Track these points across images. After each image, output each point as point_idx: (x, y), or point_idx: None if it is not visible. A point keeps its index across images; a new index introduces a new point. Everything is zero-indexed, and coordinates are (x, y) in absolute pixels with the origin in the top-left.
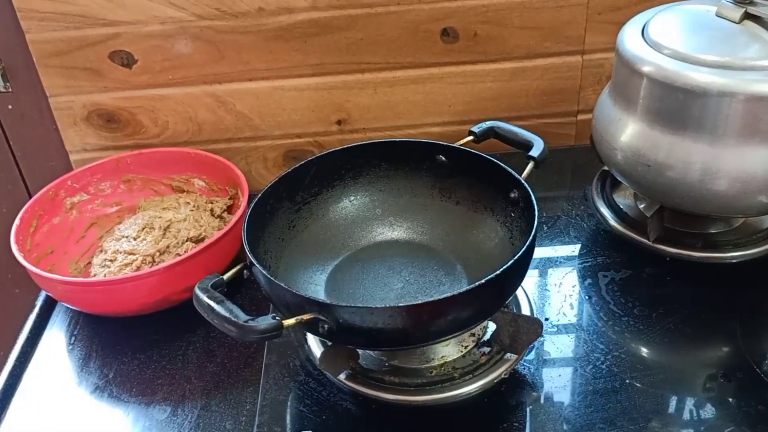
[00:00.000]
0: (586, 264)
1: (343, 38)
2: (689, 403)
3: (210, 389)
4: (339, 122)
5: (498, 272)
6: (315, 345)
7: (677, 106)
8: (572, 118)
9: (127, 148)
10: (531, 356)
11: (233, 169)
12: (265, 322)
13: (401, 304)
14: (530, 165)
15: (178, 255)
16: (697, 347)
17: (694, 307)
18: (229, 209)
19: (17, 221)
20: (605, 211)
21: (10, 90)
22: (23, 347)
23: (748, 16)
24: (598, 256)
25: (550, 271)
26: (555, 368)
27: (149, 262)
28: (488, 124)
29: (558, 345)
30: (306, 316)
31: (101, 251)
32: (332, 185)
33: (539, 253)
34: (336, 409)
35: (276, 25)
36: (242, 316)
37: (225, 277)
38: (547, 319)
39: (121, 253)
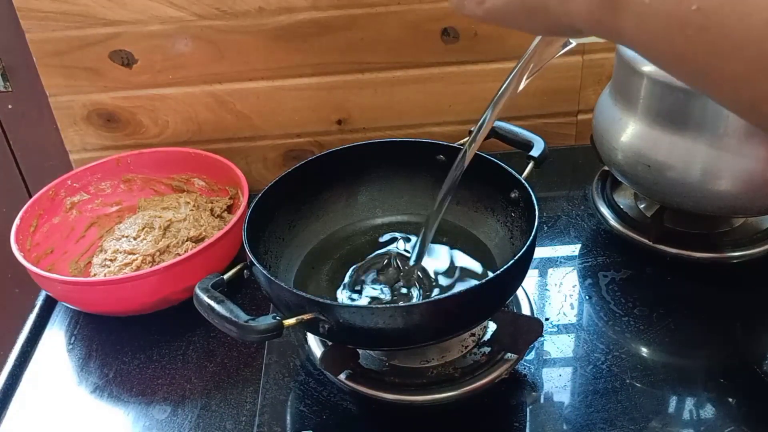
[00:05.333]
0: (586, 264)
1: (343, 38)
2: (689, 403)
3: (210, 389)
4: (339, 122)
5: (498, 272)
6: (315, 345)
7: (678, 105)
8: (572, 118)
9: (127, 147)
10: (531, 356)
11: (233, 168)
12: (266, 322)
13: (401, 304)
14: (530, 165)
15: (178, 255)
16: (697, 347)
17: (695, 307)
18: (229, 209)
19: (17, 221)
20: (605, 211)
21: (10, 90)
22: (23, 347)
23: None
24: (598, 256)
25: (550, 271)
26: (555, 368)
27: (149, 262)
28: None
29: (558, 345)
30: (306, 316)
31: (101, 251)
32: (332, 185)
33: (539, 253)
34: (336, 409)
35: (276, 25)
36: (243, 316)
37: (225, 277)
38: (547, 319)
39: (121, 252)
